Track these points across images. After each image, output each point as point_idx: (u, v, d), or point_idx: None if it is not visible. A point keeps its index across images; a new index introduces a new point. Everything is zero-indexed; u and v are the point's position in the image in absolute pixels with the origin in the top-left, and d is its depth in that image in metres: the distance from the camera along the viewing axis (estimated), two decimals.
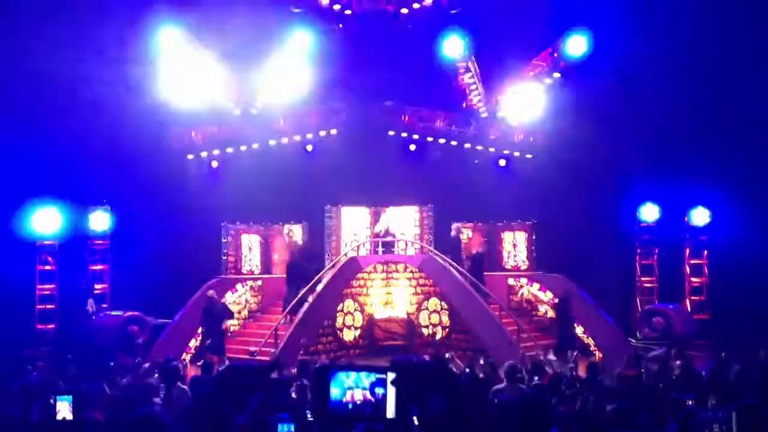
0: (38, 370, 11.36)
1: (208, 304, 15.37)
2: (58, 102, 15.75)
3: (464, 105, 19.64)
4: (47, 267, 17.16)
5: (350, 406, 1.97)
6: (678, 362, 11.16)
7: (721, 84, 17.06)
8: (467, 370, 9.80)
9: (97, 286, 17.85)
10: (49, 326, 16.83)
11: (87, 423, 5.11)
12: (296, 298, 15.68)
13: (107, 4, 15.87)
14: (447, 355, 11.27)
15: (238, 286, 17.58)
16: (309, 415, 5.26)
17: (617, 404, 6.30)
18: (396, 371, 1.80)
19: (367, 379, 1.97)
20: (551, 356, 14.58)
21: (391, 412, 1.93)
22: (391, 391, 1.92)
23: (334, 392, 1.94)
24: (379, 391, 1.96)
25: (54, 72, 14.97)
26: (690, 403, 7.01)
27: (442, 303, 16.92)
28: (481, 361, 11.60)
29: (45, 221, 16.64)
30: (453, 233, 18.09)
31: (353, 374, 1.97)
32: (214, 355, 14.37)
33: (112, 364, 11.72)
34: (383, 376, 1.97)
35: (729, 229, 17.73)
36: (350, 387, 1.96)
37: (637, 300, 19.74)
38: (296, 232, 19.25)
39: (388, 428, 1.97)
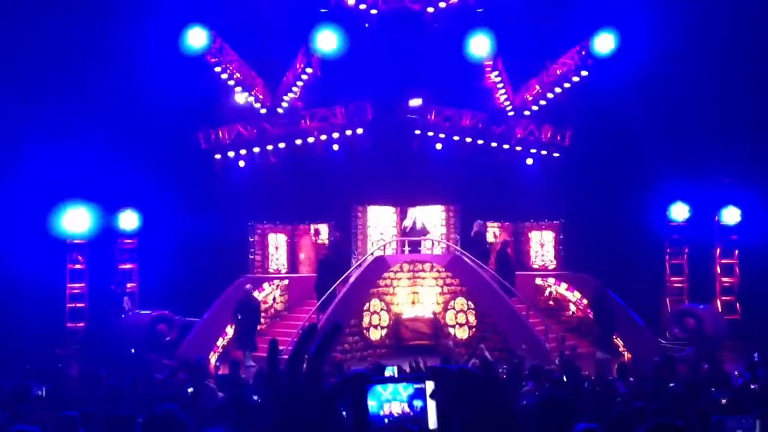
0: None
1: (245, 297, 15.57)
2: (88, 104, 15.91)
3: (491, 103, 19.57)
4: (77, 266, 17.35)
5: (386, 420, 1.91)
6: (705, 366, 11.06)
7: (752, 81, 16.80)
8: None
9: (126, 285, 18.04)
10: (79, 324, 17.03)
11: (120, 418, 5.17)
12: (327, 293, 15.76)
13: (140, 13, 15.99)
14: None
15: (265, 285, 17.63)
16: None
17: (644, 404, 6.25)
18: (435, 380, 1.75)
19: (404, 390, 1.91)
20: (599, 354, 14.53)
21: (433, 422, 1.87)
22: (432, 402, 1.86)
23: (371, 405, 1.86)
24: (417, 403, 1.90)
25: (84, 75, 15.15)
26: (724, 402, 6.94)
27: (469, 302, 16.84)
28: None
29: (75, 221, 16.73)
30: (474, 231, 18.01)
31: (390, 386, 1.90)
32: (244, 350, 14.66)
33: (141, 356, 11.88)
34: (422, 386, 1.90)
35: (760, 228, 17.48)
36: (387, 399, 1.88)
37: (667, 300, 19.52)
38: (322, 232, 19.30)
39: None
